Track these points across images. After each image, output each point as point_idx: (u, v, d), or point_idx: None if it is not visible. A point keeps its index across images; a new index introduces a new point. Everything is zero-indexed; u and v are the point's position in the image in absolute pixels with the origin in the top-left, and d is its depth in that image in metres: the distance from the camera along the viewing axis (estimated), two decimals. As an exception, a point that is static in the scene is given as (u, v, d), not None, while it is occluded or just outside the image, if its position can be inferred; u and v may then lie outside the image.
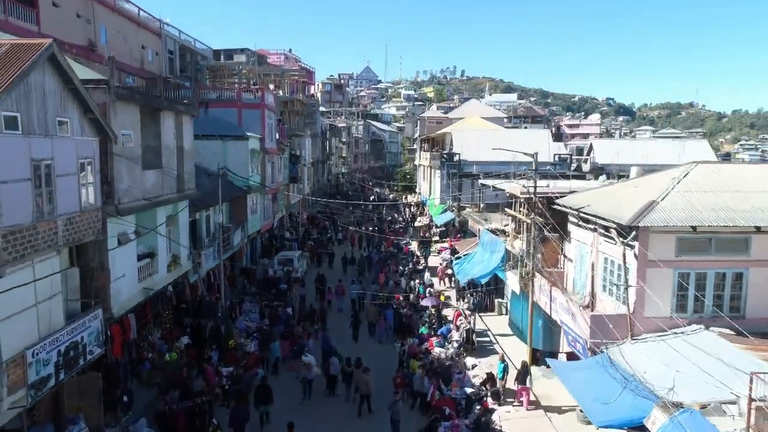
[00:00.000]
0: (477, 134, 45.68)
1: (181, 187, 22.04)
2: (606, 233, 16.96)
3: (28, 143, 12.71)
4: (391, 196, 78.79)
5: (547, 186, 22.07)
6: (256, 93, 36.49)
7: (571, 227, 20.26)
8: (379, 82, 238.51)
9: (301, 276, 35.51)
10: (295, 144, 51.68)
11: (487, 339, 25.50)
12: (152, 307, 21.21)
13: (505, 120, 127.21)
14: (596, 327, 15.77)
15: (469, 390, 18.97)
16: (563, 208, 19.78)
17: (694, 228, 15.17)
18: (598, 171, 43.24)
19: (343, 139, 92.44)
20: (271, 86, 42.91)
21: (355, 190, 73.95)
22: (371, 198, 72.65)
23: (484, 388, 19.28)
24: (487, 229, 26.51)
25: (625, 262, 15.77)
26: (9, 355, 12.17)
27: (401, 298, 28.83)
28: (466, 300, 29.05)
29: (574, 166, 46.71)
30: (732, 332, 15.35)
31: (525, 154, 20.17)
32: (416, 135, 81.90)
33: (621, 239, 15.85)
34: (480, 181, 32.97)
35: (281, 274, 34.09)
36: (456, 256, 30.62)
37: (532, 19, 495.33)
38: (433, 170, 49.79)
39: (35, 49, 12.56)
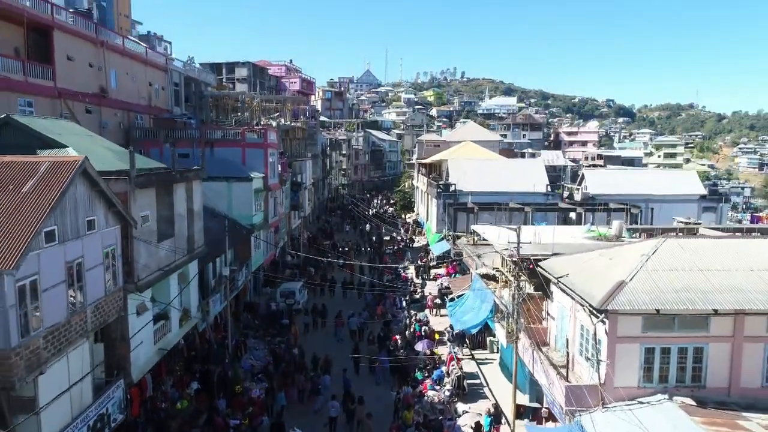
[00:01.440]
0: (473, 164, 47.24)
1: (191, 247, 23.64)
2: (581, 304, 18.61)
3: (63, 250, 14.33)
4: (390, 210, 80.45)
5: (532, 242, 23.53)
6: (260, 132, 38.03)
7: (553, 288, 21.89)
8: (379, 85, 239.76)
9: (303, 306, 37.21)
10: (296, 168, 53.16)
11: (477, 381, 27.19)
12: (166, 363, 22.78)
13: (503, 128, 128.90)
14: (571, 396, 17.46)
15: (458, 441, 20.68)
16: (544, 273, 21.41)
17: (657, 310, 16.83)
18: (589, 201, 44.93)
19: (344, 152, 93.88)
20: (273, 123, 44.34)
21: (355, 204, 75.57)
22: (370, 212, 74.21)
23: (472, 440, 20.99)
24: (479, 275, 28.08)
25: (596, 338, 17.45)
26: (48, 439, 13.87)
27: (398, 339, 30.46)
28: (447, 337, 30.94)
29: (566, 194, 48.40)
30: (693, 402, 17.08)
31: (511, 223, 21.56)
32: (414, 156, 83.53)
33: (593, 316, 17.51)
34: (472, 226, 34.57)
35: (283, 307, 35.69)
36: (450, 297, 32.21)
37: (533, 20, 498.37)
38: (430, 197, 51.39)
39: (70, 168, 14.18)
